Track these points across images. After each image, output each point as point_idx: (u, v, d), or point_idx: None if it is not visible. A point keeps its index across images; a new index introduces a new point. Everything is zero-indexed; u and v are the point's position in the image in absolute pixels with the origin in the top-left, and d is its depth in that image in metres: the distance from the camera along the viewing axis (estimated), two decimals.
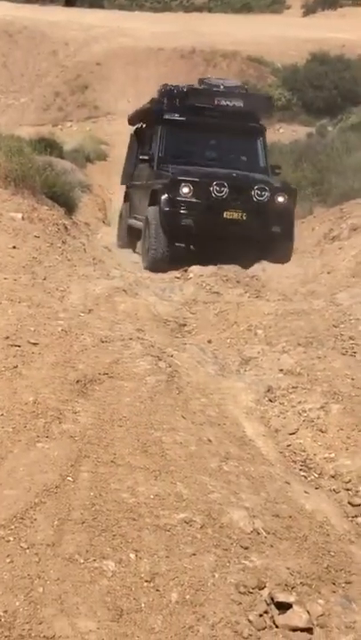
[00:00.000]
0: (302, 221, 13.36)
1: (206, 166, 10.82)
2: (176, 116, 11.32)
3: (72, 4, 51.75)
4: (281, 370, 5.46)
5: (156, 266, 10.07)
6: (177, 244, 10.48)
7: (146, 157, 11.59)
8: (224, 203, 10.11)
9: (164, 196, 10.23)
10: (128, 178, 13.46)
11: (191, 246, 10.85)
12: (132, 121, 13.99)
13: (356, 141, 16.52)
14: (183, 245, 10.60)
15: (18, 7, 44.99)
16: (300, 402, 4.77)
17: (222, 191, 10.07)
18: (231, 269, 9.14)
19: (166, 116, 11.40)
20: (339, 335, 6.10)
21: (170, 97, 11.62)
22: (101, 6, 56.12)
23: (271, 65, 33.26)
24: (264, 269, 9.79)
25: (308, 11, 55.05)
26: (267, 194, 10.20)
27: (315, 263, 10.02)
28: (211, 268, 8.88)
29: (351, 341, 5.95)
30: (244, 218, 10.18)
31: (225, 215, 10.13)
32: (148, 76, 30.71)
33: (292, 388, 5.03)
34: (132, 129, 14.09)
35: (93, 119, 31.11)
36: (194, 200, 10.10)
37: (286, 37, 35.32)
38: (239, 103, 11.30)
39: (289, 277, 9.32)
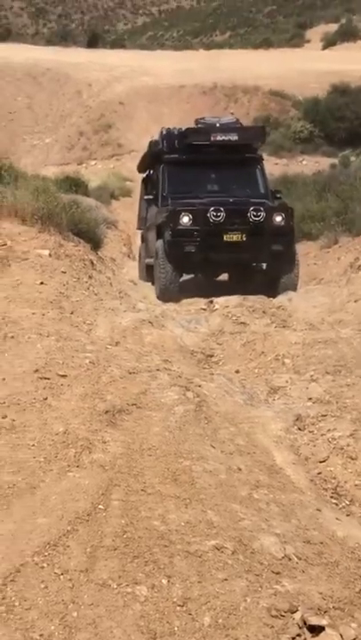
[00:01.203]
0: (327, 251, 13.41)
1: (207, 198, 11.18)
2: (175, 156, 11.93)
3: (94, 46, 52.75)
4: (310, 398, 5.47)
5: (166, 294, 10.45)
6: (184, 273, 10.99)
7: (151, 197, 12.26)
8: (223, 226, 10.52)
9: (167, 227, 10.71)
10: (142, 222, 14.09)
11: (198, 273, 11.28)
12: (140, 168, 14.59)
13: None
14: (191, 274, 11.08)
15: (41, 50, 46.02)
16: (329, 430, 4.77)
17: (219, 216, 10.46)
18: (257, 300, 9.22)
19: (166, 157, 12.00)
20: None
21: (169, 139, 12.16)
22: (123, 46, 57.24)
23: (292, 98, 33.58)
24: (290, 299, 9.84)
25: (328, 44, 55.65)
26: (263, 214, 10.55)
27: (341, 292, 10.03)
28: (236, 299, 8.96)
29: None
30: (244, 239, 10.54)
31: (225, 238, 10.54)
32: (170, 112, 31.18)
33: (322, 416, 5.03)
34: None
35: (117, 157, 31.53)
36: (194, 227, 10.53)
37: (307, 70, 35.70)
38: (234, 137, 11.85)
39: (316, 307, 9.34)
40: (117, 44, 59.96)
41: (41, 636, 2.27)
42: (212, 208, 10.47)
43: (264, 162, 12.61)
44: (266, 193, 11.97)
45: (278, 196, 12.24)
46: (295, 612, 2.61)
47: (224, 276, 12.38)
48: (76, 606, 2.42)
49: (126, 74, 37.86)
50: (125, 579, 2.61)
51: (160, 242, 10.87)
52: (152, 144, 12.77)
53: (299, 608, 2.63)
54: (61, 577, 2.56)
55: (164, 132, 12.43)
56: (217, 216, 10.43)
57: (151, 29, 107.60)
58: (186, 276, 11.61)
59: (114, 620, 2.38)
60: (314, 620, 2.52)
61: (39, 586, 2.49)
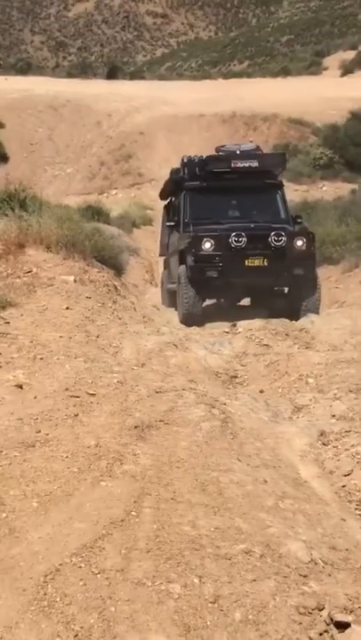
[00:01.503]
0: (349, 274, 13.53)
1: (228, 223, 11.34)
2: (197, 183, 12.13)
3: (114, 77, 53.48)
4: (333, 415, 5.58)
5: (189, 319, 10.57)
6: (206, 297, 11.13)
7: (173, 223, 12.47)
8: (244, 251, 10.65)
9: (189, 253, 10.86)
10: (164, 249, 14.30)
11: (220, 298, 11.41)
12: (162, 195, 14.79)
13: None
14: (213, 298, 11.26)
15: (61, 82, 46.79)
16: (353, 445, 4.87)
17: (241, 241, 10.60)
18: (280, 323, 9.36)
19: (188, 184, 12.21)
20: None
21: (190, 166, 12.38)
22: (142, 77, 57.96)
23: (312, 125, 33.85)
24: (312, 322, 9.95)
25: (346, 71, 56.06)
26: (284, 238, 10.66)
27: None
28: (259, 322, 9.10)
29: None
30: (266, 263, 10.68)
31: (247, 263, 10.66)
32: (190, 141, 31.53)
33: (345, 432, 5.14)
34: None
35: (138, 186, 31.90)
36: (216, 253, 10.67)
37: (325, 97, 36.02)
38: (254, 163, 12.02)
39: (338, 329, 9.43)
40: (136, 75, 60.79)
41: (82, 628, 2.41)
42: (233, 233, 10.63)
43: (284, 188, 12.78)
44: (287, 218, 12.12)
45: (299, 221, 12.39)
46: (322, 609, 2.73)
47: (246, 301, 12.52)
48: (113, 602, 2.55)
49: (146, 104, 38.41)
50: (159, 578, 2.75)
51: (182, 267, 11.03)
52: (173, 172, 13.01)
53: (325, 606, 2.74)
54: (98, 576, 2.70)
55: (186, 160, 12.64)
56: (238, 241, 10.59)
57: (170, 60, 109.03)
58: (208, 301, 11.75)
59: (150, 615, 2.51)
60: (340, 617, 2.63)
61: (78, 583, 2.63)
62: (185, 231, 11.68)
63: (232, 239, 10.59)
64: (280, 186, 12.56)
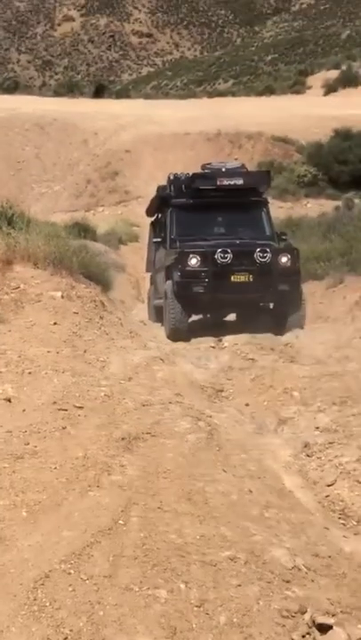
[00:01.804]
0: (333, 290, 13.66)
1: (214, 240, 11.45)
2: (183, 200, 12.26)
3: (100, 96, 53.69)
4: (317, 427, 5.67)
5: (175, 334, 10.69)
6: (192, 313, 11.22)
7: (159, 240, 12.57)
8: (230, 268, 10.80)
9: (176, 269, 10.97)
10: (151, 265, 14.38)
11: (207, 314, 11.55)
12: (148, 212, 14.89)
13: None
14: (199, 314, 11.39)
15: (48, 101, 46.97)
16: (336, 456, 4.96)
17: (226, 257, 10.75)
18: (265, 338, 9.47)
19: (174, 201, 12.34)
20: None
21: (177, 184, 12.51)
22: (128, 96, 58.25)
23: (296, 143, 34.13)
24: (297, 337, 10.07)
25: (329, 90, 56.56)
26: (269, 255, 10.82)
27: (347, 329, 10.26)
28: (245, 337, 9.20)
29: None
30: (251, 279, 10.81)
31: (232, 279, 10.80)
32: (175, 159, 31.70)
33: (329, 443, 5.22)
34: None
35: (124, 203, 32.03)
36: (202, 269, 10.80)
37: (309, 116, 36.36)
38: (240, 181, 12.17)
39: (322, 343, 9.55)
40: (122, 93, 61.09)
41: (71, 631, 2.47)
42: (219, 250, 10.76)
43: (269, 205, 12.92)
44: (272, 235, 12.25)
45: (284, 237, 12.53)
46: (305, 612, 2.80)
47: (232, 317, 12.63)
48: (101, 606, 2.62)
49: (132, 122, 38.63)
50: (146, 583, 2.82)
51: (169, 283, 11.14)
52: (160, 189, 13.13)
53: (308, 610, 2.82)
54: (87, 581, 2.77)
55: (172, 178, 12.78)
56: (224, 257, 10.70)
57: (155, 79, 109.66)
58: (195, 317, 11.85)
59: (137, 618, 2.58)
60: (322, 619, 2.71)
61: (67, 589, 2.70)
62: (171, 247, 11.79)
63: (218, 255, 10.71)
64: (265, 203, 12.72)
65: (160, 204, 13.17)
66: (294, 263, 11.09)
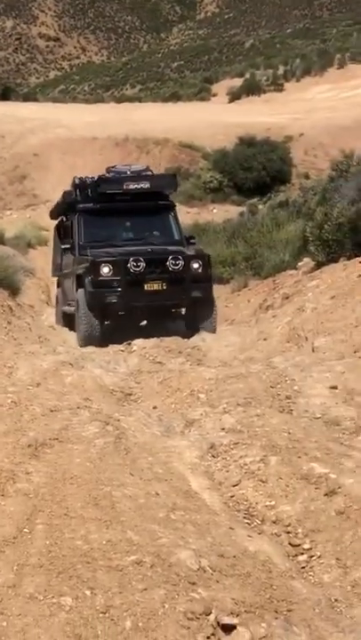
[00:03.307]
0: (238, 294, 13.88)
1: (124, 246, 11.48)
2: (90, 205, 12.13)
3: (6, 99, 52.93)
4: (223, 428, 5.73)
5: (88, 344, 10.47)
6: (105, 322, 11.08)
7: (68, 246, 12.27)
8: (143, 276, 10.76)
9: (88, 279, 10.82)
10: (57, 268, 14.05)
11: (119, 321, 11.47)
12: (52, 215, 14.66)
13: (285, 217, 17.32)
14: (112, 323, 11.25)
15: None
16: (241, 456, 5.03)
17: (139, 266, 10.70)
18: (173, 341, 9.53)
19: (80, 206, 12.20)
20: (276, 395, 6.41)
21: (82, 188, 12.38)
22: (35, 100, 57.61)
23: (202, 149, 34.56)
24: (204, 339, 10.17)
25: (234, 97, 57.45)
26: (181, 262, 10.86)
27: (252, 332, 10.44)
28: (153, 341, 9.24)
29: (288, 400, 6.27)
30: (164, 287, 10.82)
31: (146, 287, 10.79)
32: (84, 164, 31.58)
33: (234, 444, 5.29)
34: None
35: (33, 207, 31.69)
36: (115, 278, 10.71)
37: (215, 123, 36.85)
38: (146, 185, 12.13)
39: (228, 346, 9.69)
40: (30, 97, 60.39)
41: None
42: (132, 258, 10.68)
43: (177, 209, 12.96)
44: (180, 239, 12.28)
45: (192, 241, 12.58)
46: (209, 614, 2.83)
47: (143, 322, 12.62)
48: (4, 617, 2.59)
49: (40, 126, 38.26)
50: (51, 592, 2.79)
51: (81, 292, 10.95)
52: (66, 194, 12.94)
53: (213, 611, 2.85)
54: None
55: (77, 182, 12.62)
56: (137, 266, 10.63)
57: (63, 83, 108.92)
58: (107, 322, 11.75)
59: (41, 628, 2.56)
60: (226, 620, 2.75)
61: None
62: (81, 254, 11.63)
63: (131, 264, 10.64)
64: (172, 207, 12.73)
65: (66, 208, 13.00)
66: (206, 270, 11.15)
